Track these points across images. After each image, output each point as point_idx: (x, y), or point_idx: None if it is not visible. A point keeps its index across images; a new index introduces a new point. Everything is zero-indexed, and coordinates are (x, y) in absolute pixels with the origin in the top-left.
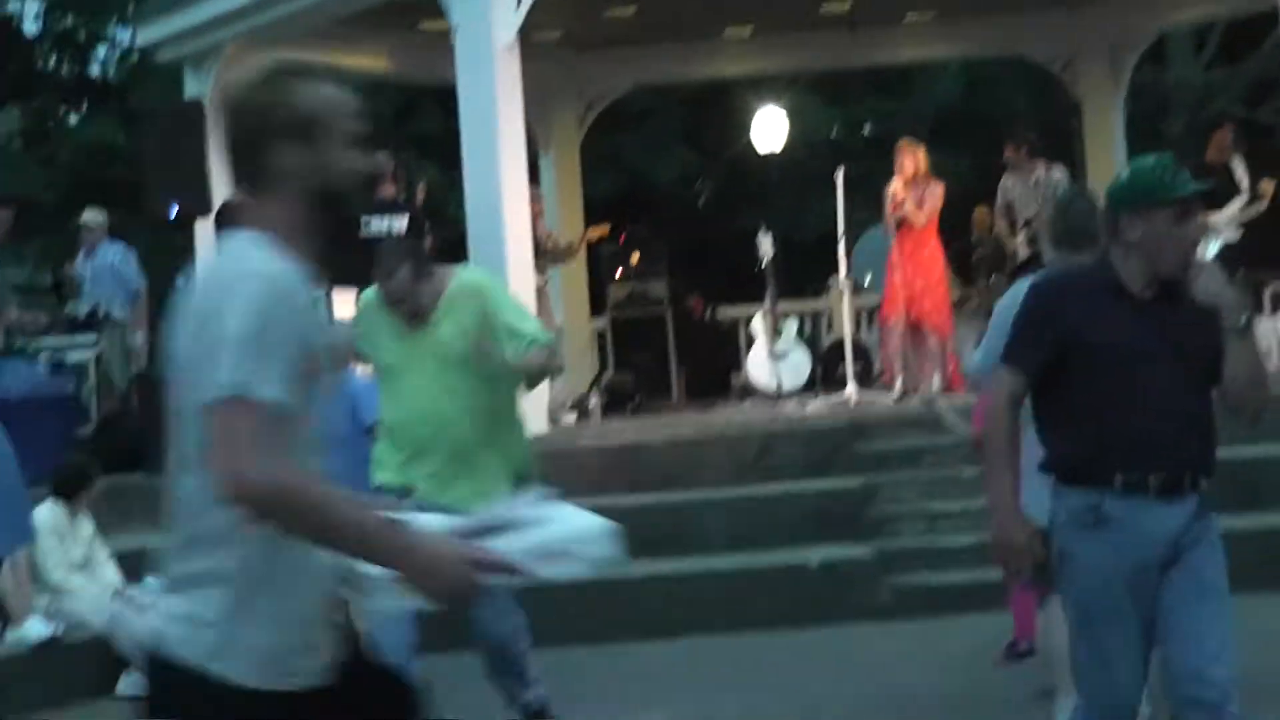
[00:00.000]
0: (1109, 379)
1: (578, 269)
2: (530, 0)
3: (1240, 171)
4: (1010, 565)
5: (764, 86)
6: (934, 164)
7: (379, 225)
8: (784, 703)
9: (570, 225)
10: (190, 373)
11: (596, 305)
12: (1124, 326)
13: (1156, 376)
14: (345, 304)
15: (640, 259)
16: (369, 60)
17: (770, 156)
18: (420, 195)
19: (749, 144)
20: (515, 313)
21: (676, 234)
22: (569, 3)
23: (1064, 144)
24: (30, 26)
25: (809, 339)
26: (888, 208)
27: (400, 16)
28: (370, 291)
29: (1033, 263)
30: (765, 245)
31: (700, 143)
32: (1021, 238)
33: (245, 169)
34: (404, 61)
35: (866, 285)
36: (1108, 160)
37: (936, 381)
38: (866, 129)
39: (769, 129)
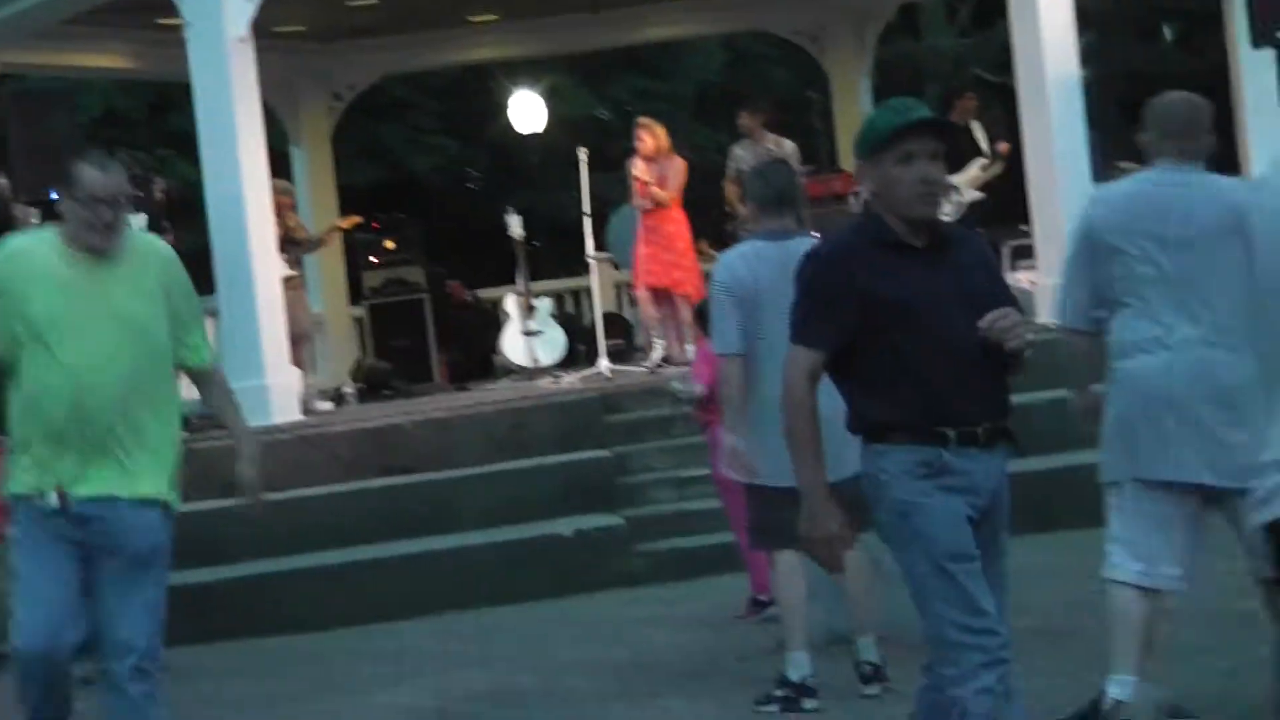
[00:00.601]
0: (912, 335)
1: (334, 258)
2: None
3: (980, 134)
4: (826, 554)
5: (521, 70)
6: (697, 139)
7: None
8: (531, 672)
9: (324, 216)
10: None
11: (355, 294)
12: (912, 280)
13: (955, 326)
14: None
15: (396, 245)
16: (107, 59)
17: (531, 139)
18: (159, 192)
19: (509, 127)
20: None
21: (440, 220)
22: None
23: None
24: None
25: (571, 316)
26: (633, 186)
27: (136, 14)
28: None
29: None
30: (514, 226)
31: (461, 129)
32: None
33: None
34: (146, 59)
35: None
36: (855, 130)
37: (690, 350)
38: (626, 108)
39: (527, 112)
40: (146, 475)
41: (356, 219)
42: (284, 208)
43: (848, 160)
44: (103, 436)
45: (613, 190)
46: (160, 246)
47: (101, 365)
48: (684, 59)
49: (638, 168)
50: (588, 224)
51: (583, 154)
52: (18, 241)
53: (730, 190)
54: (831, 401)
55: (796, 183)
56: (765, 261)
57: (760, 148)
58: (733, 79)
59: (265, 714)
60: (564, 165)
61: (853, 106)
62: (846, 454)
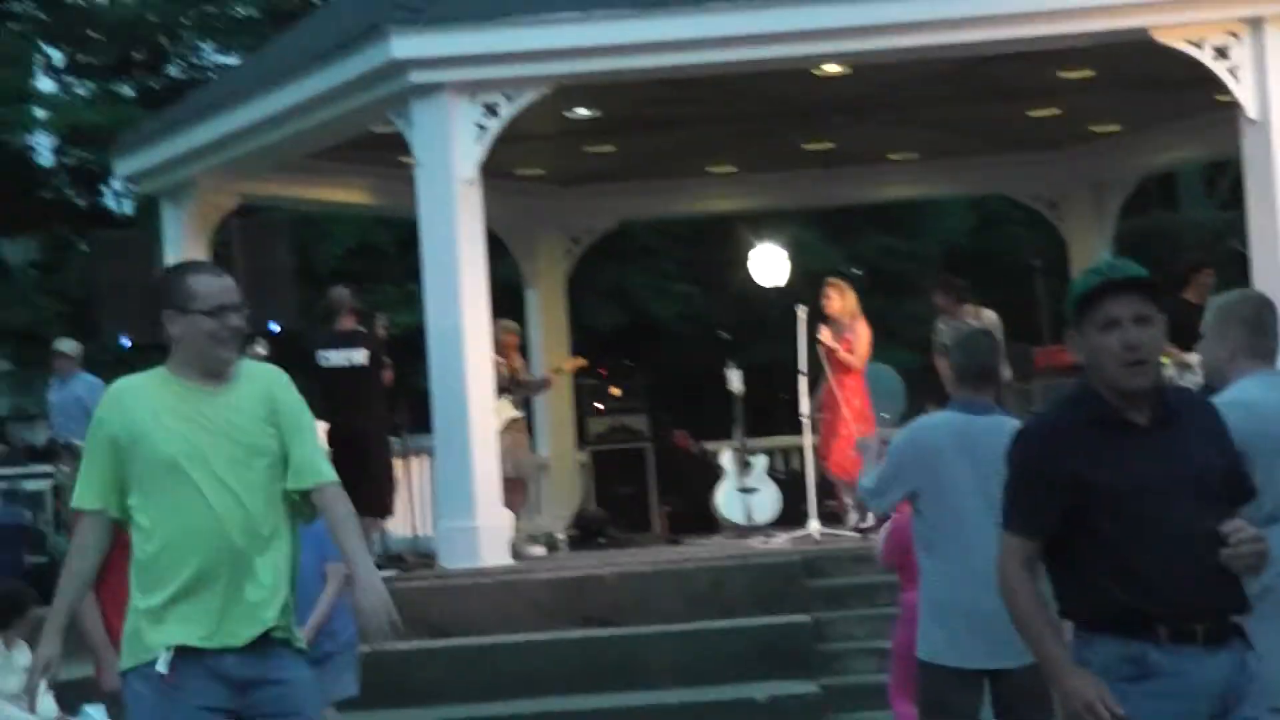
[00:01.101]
0: (1129, 522)
1: (562, 402)
2: (491, 137)
3: None
4: None
5: (765, 221)
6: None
7: (337, 358)
8: None
9: (556, 358)
10: None
11: (582, 439)
12: (1130, 461)
13: (1180, 513)
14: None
15: (622, 393)
16: (349, 194)
17: (773, 291)
18: (381, 328)
19: (751, 278)
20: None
21: (682, 368)
22: (548, 140)
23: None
24: (45, 159)
25: (796, 473)
26: (820, 349)
27: (377, 151)
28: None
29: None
30: (734, 380)
31: (704, 277)
32: None
33: None
34: (386, 194)
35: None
36: None
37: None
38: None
39: (768, 264)
40: (278, 613)
41: (580, 362)
42: (510, 348)
43: None
44: (243, 577)
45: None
46: (267, 367)
47: (238, 498)
48: (931, 219)
49: (822, 331)
50: (803, 382)
51: (801, 311)
52: (124, 382)
53: (940, 365)
54: None
55: (998, 356)
56: (952, 433)
57: (960, 322)
58: (980, 242)
59: None
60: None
61: None
62: None
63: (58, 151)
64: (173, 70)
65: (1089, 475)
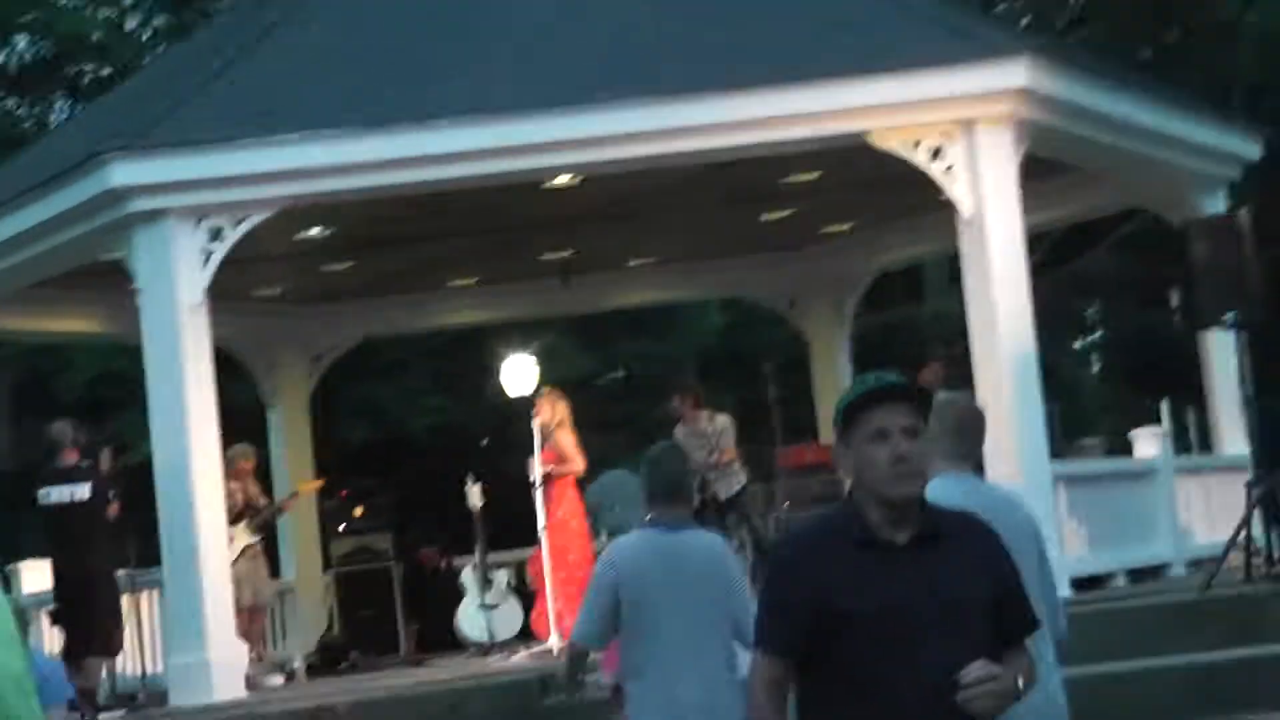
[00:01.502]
0: (871, 648)
1: (309, 524)
2: (217, 261)
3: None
4: None
5: (517, 331)
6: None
7: (59, 494)
8: None
9: (299, 478)
10: None
11: (327, 561)
12: (881, 583)
13: (924, 641)
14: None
15: (365, 512)
16: (83, 323)
17: (522, 401)
18: (106, 462)
19: (500, 389)
20: None
21: (433, 481)
22: (283, 260)
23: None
24: None
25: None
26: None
27: (112, 278)
28: None
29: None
30: (473, 495)
31: (456, 388)
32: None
33: None
34: (122, 322)
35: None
36: (835, 395)
37: None
38: (621, 372)
39: (518, 374)
40: None
41: (317, 483)
42: (244, 474)
43: (827, 430)
44: None
45: (614, 451)
46: None
47: None
48: (682, 321)
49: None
50: (537, 495)
51: (536, 424)
52: None
53: None
54: (719, 692)
55: (688, 474)
56: (654, 552)
57: (696, 426)
58: (731, 342)
59: None
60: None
61: (830, 373)
62: None
63: None
64: None
65: (833, 599)
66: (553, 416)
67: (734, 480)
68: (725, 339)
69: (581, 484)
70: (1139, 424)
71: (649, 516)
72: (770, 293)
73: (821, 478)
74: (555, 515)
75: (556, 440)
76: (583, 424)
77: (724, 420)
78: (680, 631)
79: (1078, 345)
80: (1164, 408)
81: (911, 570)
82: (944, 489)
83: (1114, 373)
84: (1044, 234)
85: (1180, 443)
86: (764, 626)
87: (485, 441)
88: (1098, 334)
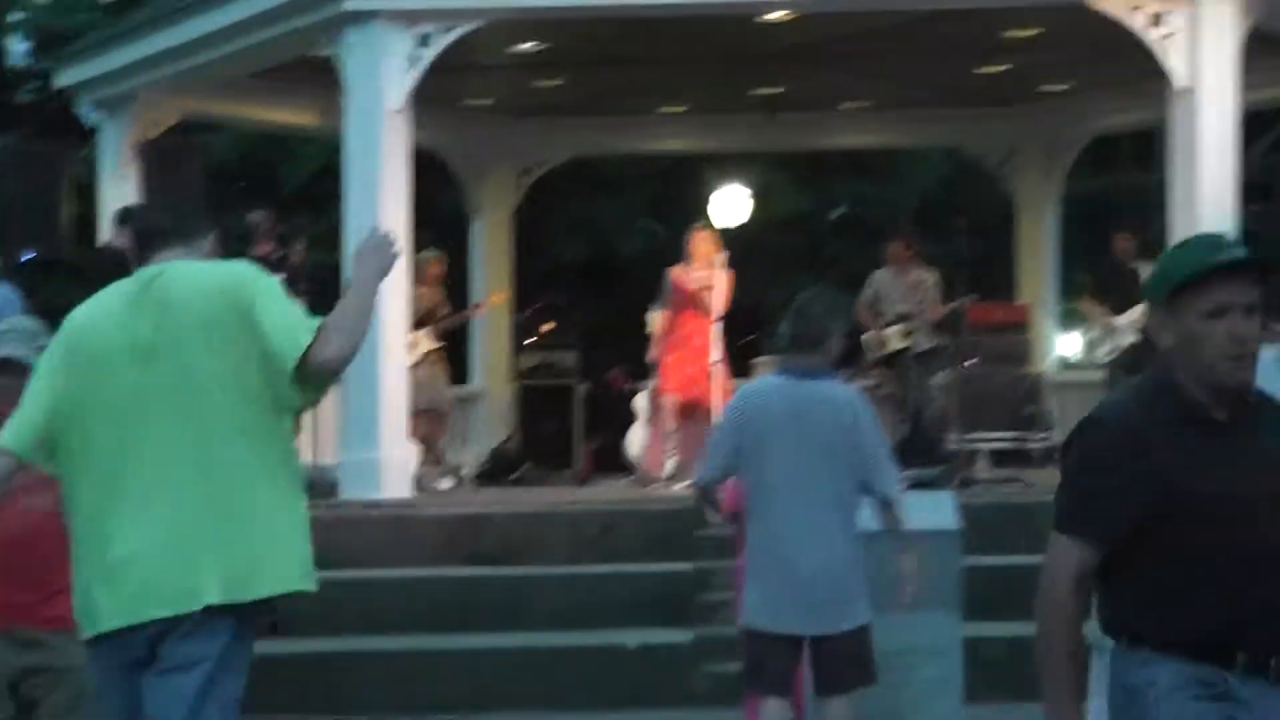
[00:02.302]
0: (1215, 534)
1: (499, 334)
2: (423, 67)
3: (1145, 275)
4: None
5: (732, 162)
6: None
7: None
8: None
9: (493, 289)
10: None
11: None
12: (1216, 465)
13: (1266, 526)
14: None
15: (555, 328)
16: (295, 115)
17: (733, 232)
18: (298, 253)
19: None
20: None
21: (636, 305)
22: (496, 70)
23: (970, 242)
24: (19, 62)
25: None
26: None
27: (321, 72)
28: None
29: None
30: (655, 321)
31: (670, 214)
32: (893, 330)
33: None
34: (335, 118)
35: None
36: (1038, 262)
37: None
38: (841, 209)
39: (730, 206)
40: None
41: (504, 296)
42: (433, 279)
43: (1028, 289)
44: None
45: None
46: None
47: None
48: (904, 166)
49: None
50: (715, 331)
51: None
52: None
53: (864, 316)
54: (834, 548)
55: (830, 323)
56: (781, 398)
57: (909, 277)
58: (955, 192)
59: None
60: (770, 262)
61: (1035, 234)
62: (849, 608)
63: (31, 55)
64: None
65: (1175, 478)
66: (709, 254)
67: (926, 338)
68: (947, 189)
69: None
70: None
71: (784, 363)
72: (982, 147)
73: (1009, 337)
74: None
75: (724, 277)
76: (795, 260)
77: (934, 276)
78: (799, 480)
79: None
80: None
81: (1241, 450)
82: None
83: None
84: None
85: None
86: (1078, 511)
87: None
88: None
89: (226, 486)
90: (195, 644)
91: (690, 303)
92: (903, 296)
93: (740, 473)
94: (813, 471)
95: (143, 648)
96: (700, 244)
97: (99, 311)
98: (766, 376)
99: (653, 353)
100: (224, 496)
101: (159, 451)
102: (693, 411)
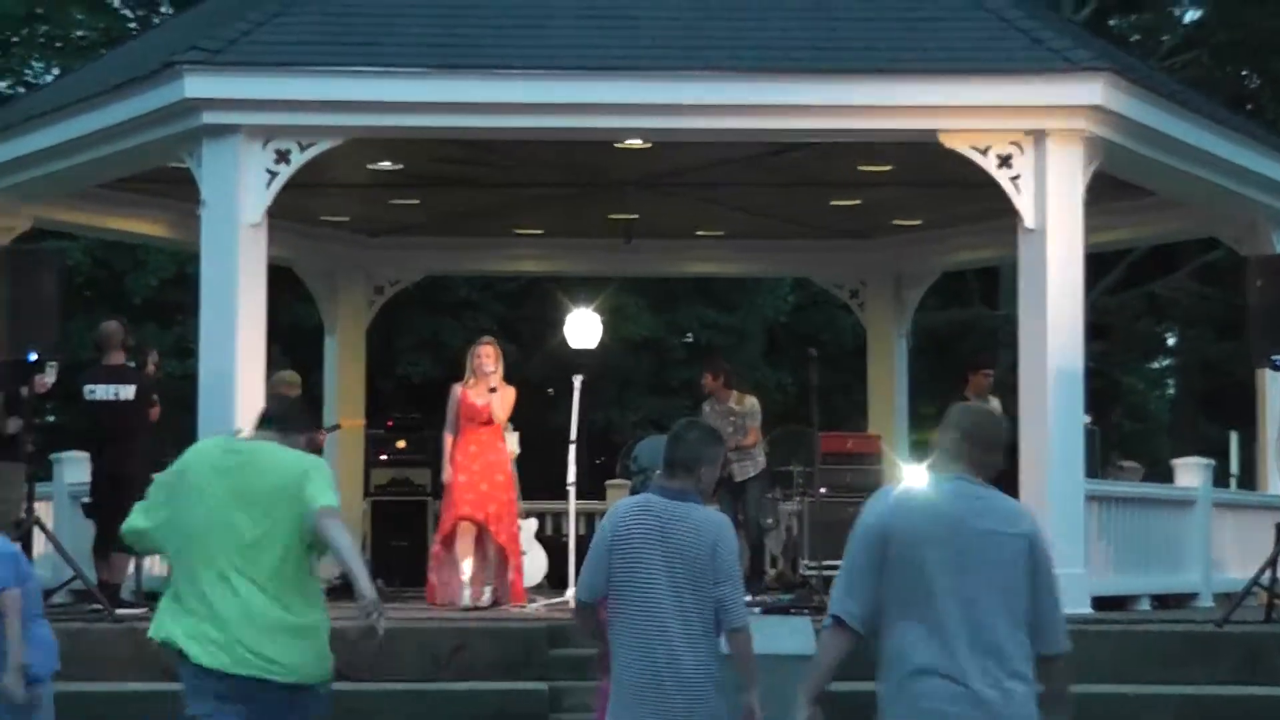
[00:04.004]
0: None
1: (353, 449)
2: (280, 183)
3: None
4: None
5: (585, 286)
6: (759, 377)
7: (104, 392)
8: None
9: (350, 407)
10: None
11: (367, 489)
12: None
13: None
14: (76, 468)
15: (406, 445)
16: (148, 226)
17: (585, 355)
18: (151, 364)
19: (563, 340)
20: None
21: None
22: (353, 189)
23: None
24: None
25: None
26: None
27: (180, 186)
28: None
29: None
30: (512, 442)
31: (522, 335)
32: None
33: None
34: (187, 230)
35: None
36: (888, 392)
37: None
38: (688, 337)
39: (583, 329)
40: None
41: (359, 422)
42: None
43: (878, 419)
44: None
45: (672, 413)
46: None
47: None
48: (754, 296)
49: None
50: (571, 451)
51: (578, 380)
52: None
53: None
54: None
55: (704, 450)
56: (652, 517)
57: (723, 405)
58: (801, 321)
59: None
60: (614, 384)
61: (885, 366)
62: None
63: None
64: (2, 84)
65: None
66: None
67: (753, 464)
68: (795, 318)
69: None
70: (1205, 452)
71: (659, 483)
72: (834, 279)
73: (859, 467)
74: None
75: (509, 391)
76: (644, 385)
77: (752, 402)
78: (665, 599)
79: (1155, 365)
80: (1233, 439)
81: None
82: (937, 487)
83: (1187, 398)
84: (1125, 252)
85: (1245, 475)
86: None
87: (551, 391)
88: (1171, 359)
89: None
90: None
91: (479, 419)
92: (726, 426)
93: (609, 589)
94: (677, 592)
95: None
96: (481, 358)
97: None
98: (638, 495)
99: (445, 474)
100: None
101: None
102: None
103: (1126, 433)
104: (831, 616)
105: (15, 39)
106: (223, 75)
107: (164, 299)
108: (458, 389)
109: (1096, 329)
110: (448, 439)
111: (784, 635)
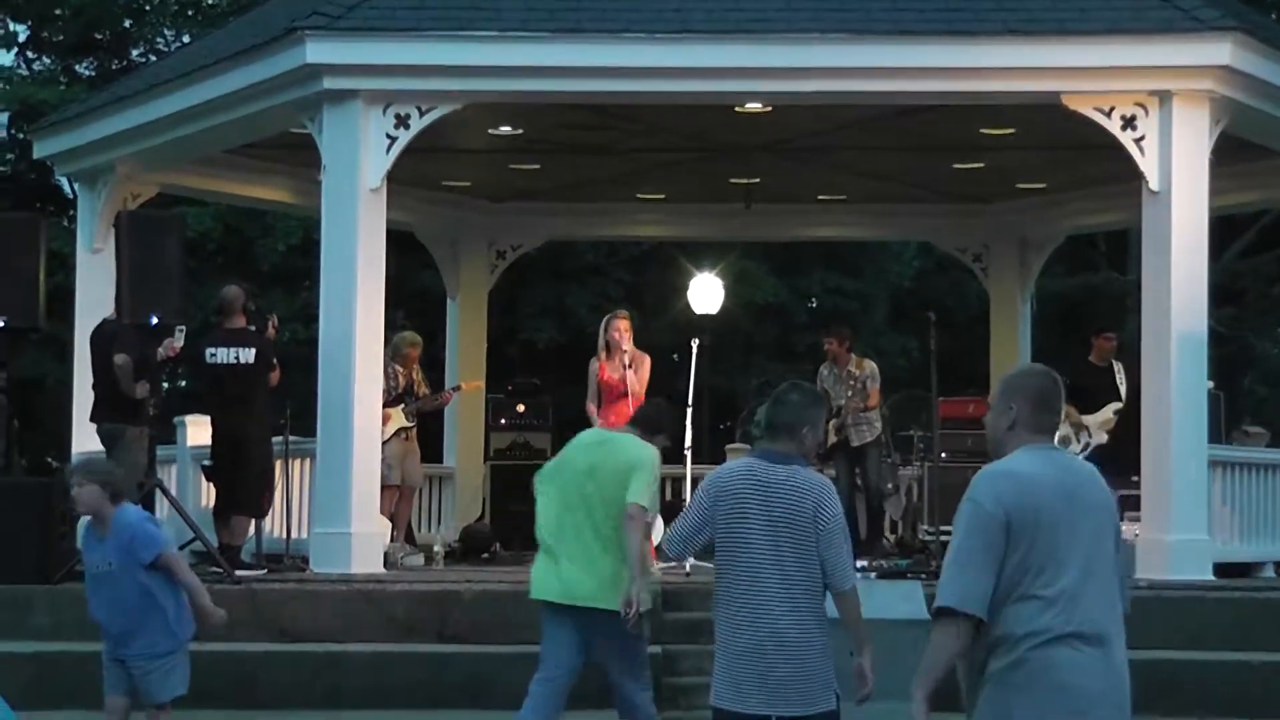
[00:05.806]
0: None
1: (474, 414)
2: (400, 148)
3: (1120, 376)
4: None
5: (709, 251)
6: (883, 343)
7: (225, 355)
8: None
9: (470, 370)
10: None
11: (487, 452)
12: None
13: None
14: (199, 430)
15: (525, 410)
16: (270, 192)
17: (708, 319)
18: (271, 328)
19: (687, 305)
20: None
21: None
22: (475, 154)
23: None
24: None
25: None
26: (596, 379)
27: (303, 152)
28: None
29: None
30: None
31: (645, 301)
32: (831, 425)
33: None
34: (309, 195)
35: None
36: (1010, 358)
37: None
38: (813, 301)
39: (705, 294)
40: None
41: (478, 384)
42: (410, 360)
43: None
44: None
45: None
46: None
47: None
48: (879, 261)
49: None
50: (688, 414)
51: (694, 344)
52: None
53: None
54: (800, 630)
55: (804, 413)
56: (752, 481)
57: (842, 370)
58: (926, 287)
59: None
60: (738, 349)
61: (1008, 331)
62: (816, 691)
63: (10, 126)
64: (135, 53)
65: None
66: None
67: (869, 429)
68: (920, 284)
69: None
70: None
71: (759, 448)
72: (957, 243)
73: (979, 432)
74: None
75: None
76: (768, 350)
77: (871, 365)
78: (766, 562)
79: None
80: None
81: None
82: (1029, 461)
83: None
84: (1258, 216)
85: None
86: None
87: (676, 357)
88: None
89: None
90: None
91: (616, 393)
92: (845, 391)
93: (713, 554)
94: (780, 555)
95: None
96: (617, 333)
97: None
98: (740, 459)
99: None
100: None
101: None
102: None
103: (1261, 398)
104: (945, 609)
105: (148, 7)
106: (344, 40)
107: (291, 265)
108: (595, 364)
109: (1228, 293)
110: (591, 409)
111: (895, 600)
